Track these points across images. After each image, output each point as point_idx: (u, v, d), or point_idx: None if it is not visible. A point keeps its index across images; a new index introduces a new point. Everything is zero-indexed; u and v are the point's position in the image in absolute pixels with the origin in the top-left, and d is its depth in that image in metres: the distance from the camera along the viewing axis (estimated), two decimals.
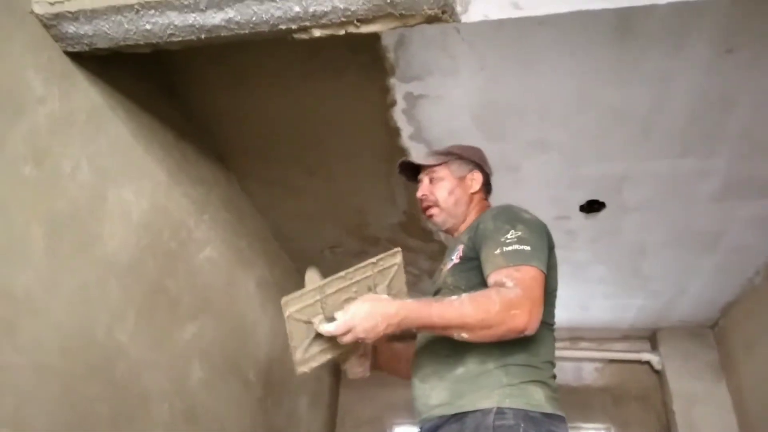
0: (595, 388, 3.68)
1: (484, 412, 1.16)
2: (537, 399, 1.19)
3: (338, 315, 1.20)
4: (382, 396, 3.70)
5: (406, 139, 2.14)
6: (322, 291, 1.25)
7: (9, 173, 1.23)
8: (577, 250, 2.80)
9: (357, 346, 1.34)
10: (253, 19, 1.23)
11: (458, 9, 1.20)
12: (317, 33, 1.25)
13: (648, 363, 3.63)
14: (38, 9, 1.29)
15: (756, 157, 2.09)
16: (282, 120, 2.07)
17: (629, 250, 2.77)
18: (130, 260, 1.63)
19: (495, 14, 1.21)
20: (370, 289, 1.33)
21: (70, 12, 1.28)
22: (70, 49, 1.37)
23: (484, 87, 1.89)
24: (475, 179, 1.56)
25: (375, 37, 1.71)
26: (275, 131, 2.13)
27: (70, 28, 1.32)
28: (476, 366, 1.23)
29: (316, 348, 1.27)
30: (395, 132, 2.11)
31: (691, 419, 3.33)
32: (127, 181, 1.64)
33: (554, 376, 1.29)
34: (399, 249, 1.39)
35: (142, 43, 1.33)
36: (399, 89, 1.92)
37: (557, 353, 1.35)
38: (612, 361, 3.74)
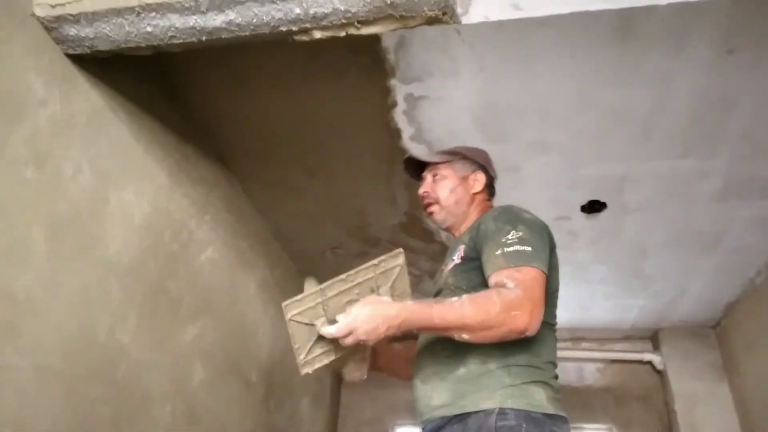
0: (597, 388, 3.68)
1: (486, 413, 1.16)
2: (539, 400, 1.19)
3: (340, 317, 1.21)
4: (384, 397, 3.70)
5: (406, 141, 2.14)
6: (323, 294, 1.25)
7: (10, 176, 1.23)
8: (578, 250, 2.80)
9: (358, 347, 1.34)
10: (254, 21, 1.23)
11: (459, 10, 1.20)
12: (318, 35, 1.25)
13: (650, 363, 3.63)
14: (39, 11, 1.29)
15: (757, 157, 2.09)
16: (283, 121, 2.07)
17: (630, 250, 2.77)
18: (131, 262, 1.63)
19: (495, 15, 1.21)
20: (372, 291, 1.33)
21: (71, 14, 1.28)
22: (71, 51, 1.37)
23: (485, 88, 1.89)
24: (478, 180, 1.57)
25: (375, 38, 1.72)
26: (276, 132, 2.13)
27: (71, 31, 1.32)
28: (478, 366, 1.23)
29: (319, 349, 1.27)
30: (396, 133, 2.11)
31: (692, 419, 3.32)
32: (128, 183, 1.64)
33: (556, 377, 1.29)
34: (401, 250, 1.39)
35: (143, 45, 1.33)
36: (399, 91, 1.92)
37: (559, 353, 1.35)
38: (613, 361, 3.74)
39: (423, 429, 1.31)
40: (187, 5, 1.23)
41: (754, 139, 2.01)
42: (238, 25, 1.25)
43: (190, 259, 1.99)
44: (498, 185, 1.66)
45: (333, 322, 1.22)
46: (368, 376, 1.49)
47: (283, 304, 1.22)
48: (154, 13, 1.26)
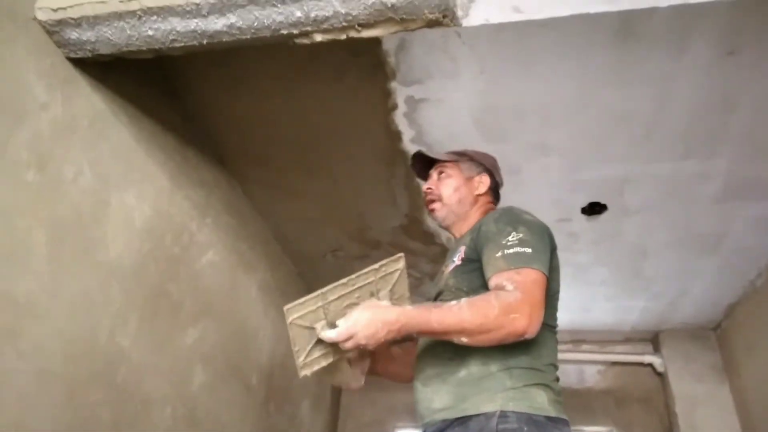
0: (598, 390, 3.67)
1: (488, 416, 1.16)
2: (540, 402, 1.18)
3: (340, 322, 1.21)
4: (384, 399, 3.69)
5: (407, 143, 2.14)
6: (324, 298, 1.25)
7: (12, 179, 1.23)
8: (579, 252, 2.80)
9: (357, 352, 1.34)
10: (255, 24, 1.24)
11: (459, 13, 1.20)
12: (319, 38, 1.26)
13: (650, 365, 3.63)
14: (41, 15, 1.30)
15: (757, 158, 2.10)
16: (283, 124, 2.07)
17: (631, 252, 2.77)
18: (132, 265, 1.63)
19: (496, 18, 1.21)
20: (372, 295, 1.33)
21: (72, 18, 1.28)
22: (72, 55, 1.38)
23: (485, 90, 1.89)
24: (483, 182, 1.57)
25: (376, 41, 1.72)
26: (276, 135, 2.13)
27: (73, 35, 1.32)
28: (479, 369, 1.23)
29: (318, 352, 1.28)
30: (396, 135, 2.11)
31: (693, 421, 3.32)
32: (129, 186, 1.64)
33: (557, 379, 1.29)
34: (402, 254, 1.40)
35: (144, 48, 1.34)
36: (400, 93, 1.93)
37: (559, 356, 1.35)
38: (614, 363, 3.73)
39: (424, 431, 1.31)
40: (188, 9, 1.23)
41: (754, 141, 2.01)
42: (239, 28, 1.25)
43: (191, 262, 1.99)
44: None
45: (333, 325, 1.22)
46: (367, 380, 1.50)
47: (285, 307, 1.22)
48: (155, 17, 1.26)
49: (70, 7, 1.28)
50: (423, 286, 3.08)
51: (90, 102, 1.48)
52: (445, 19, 1.20)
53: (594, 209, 2.47)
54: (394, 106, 1.98)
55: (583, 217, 2.52)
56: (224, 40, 1.29)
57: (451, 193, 1.55)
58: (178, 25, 1.26)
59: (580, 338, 3.77)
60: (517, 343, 1.18)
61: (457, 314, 1.15)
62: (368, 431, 3.76)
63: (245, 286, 2.46)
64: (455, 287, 1.34)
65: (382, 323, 1.17)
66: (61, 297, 1.35)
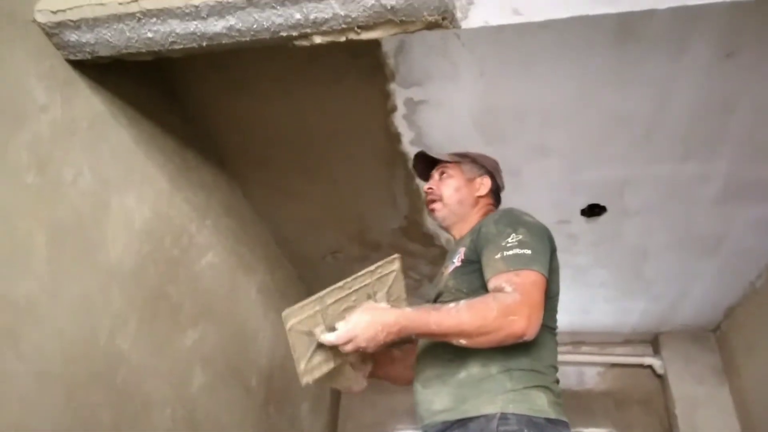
0: (598, 392, 3.67)
1: (488, 418, 1.16)
2: (540, 404, 1.18)
3: (339, 325, 1.21)
4: (384, 401, 3.69)
5: (406, 145, 2.14)
6: (321, 302, 1.25)
7: (11, 181, 1.23)
8: (579, 254, 2.80)
9: (357, 355, 1.34)
10: (254, 26, 1.24)
11: (458, 15, 1.20)
12: (318, 40, 1.26)
13: (650, 367, 3.63)
14: (40, 18, 1.30)
15: (757, 160, 2.10)
16: (282, 125, 2.07)
17: (631, 253, 2.77)
18: (132, 267, 1.63)
19: (495, 20, 1.21)
20: (369, 297, 1.33)
21: (72, 21, 1.29)
22: (72, 57, 1.38)
23: (485, 92, 1.89)
24: (484, 184, 1.58)
25: (375, 43, 1.72)
26: (276, 137, 2.13)
27: (72, 37, 1.32)
28: (479, 370, 1.23)
29: (318, 358, 1.27)
30: (396, 137, 2.11)
31: (693, 423, 3.32)
32: (129, 188, 1.64)
33: (557, 381, 1.29)
34: (397, 255, 1.40)
35: (143, 50, 1.34)
36: (399, 95, 1.93)
37: (559, 357, 1.35)
38: (614, 365, 3.73)
39: None
40: (187, 11, 1.23)
41: (754, 142, 2.01)
42: (238, 30, 1.25)
43: (191, 264, 1.99)
44: None
45: (332, 329, 1.22)
46: (368, 382, 1.50)
47: (283, 313, 1.22)
48: (154, 19, 1.26)
49: (70, 9, 1.28)
50: (422, 288, 3.08)
51: (89, 104, 1.49)
52: (444, 21, 1.20)
53: (593, 211, 2.47)
54: (394, 108, 1.98)
55: (583, 218, 2.52)
56: (223, 42, 1.29)
57: (451, 194, 1.55)
58: (178, 27, 1.26)
59: (579, 340, 3.77)
60: (518, 344, 1.18)
61: (455, 316, 1.15)
62: None
63: (245, 288, 2.46)
64: (455, 288, 1.34)
65: (382, 325, 1.17)
66: (61, 299, 1.35)
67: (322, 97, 1.94)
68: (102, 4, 1.26)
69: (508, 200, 1.71)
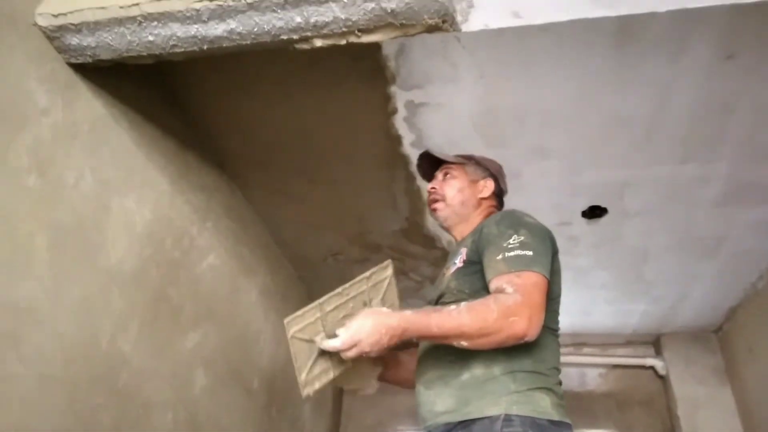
0: (599, 393, 3.67)
1: (492, 420, 1.16)
2: (543, 406, 1.18)
3: (340, 331, 1.21)
4: (385, 403, 3.69)
5: (407, 147, 2.15)
6: (321, 309, 1.25)
7: (13, 184, 1.23)
8: (579, 255, 2.80)
9: (359, 363, 1.34)
10: (255, 30, 1.24)
11: (458, 18, 1.21)
12: (319, 43, 1.26)
13: (652, 368, 3.62)
14: (41, 21, 1.30)
15: (757, 162, 2.10)
16: (283, 127, 2.08)
17: (631, 255, 2.77)
18: (133, 270, 1.64)
19: (495, 23, 1.22)
20: (365, 304, 1.35)
21: (73, 24, 1.29)
22: (73, 60, 1.38)
23: (485, 94, 1.89)
24: (487, 186, 1.59)
25: (376, 46, 1.72)
26: (276, 139, 2.14)
27: (74, 40, 1.33)
28: (482, 372, 1.23)
29: (319, 368, 1.27)
30: (396, 140, 2.11)
31: (695, 424, 3.31)
32: (130, 191, 1.64)
33: (560, 383, 1.29)
34: (390, 261, 1.41)
35: (144, 54, 1.34)
36: (400, 97, 1.93)
37: (561, 359, 1.35)
38: (616, 366, 3.73)
39: None
40: (188, 14, 1.23)
41: (754, 144, 2.01)
42: (239, 33, 1.25)
43: (192, 266, 1.99)
44: None
45: (332, 337, 1.22)
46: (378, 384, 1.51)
47: (285, 321, 1.22)
48: (155, 23, 1.26)
49: (71, 12, 1.28)
50: (423, 290, 3.08)
51: (91, 107, 1.49)
52: (444, 24, 1.20)
53: (594, 213, 2.47)
54: (394, 111, 1.99)
55: (584, 220, 2.52)
56: (224, 45, 1.29)
57: (454, 194, 1.56)
58: (179, 30, 1.27)
59: (581, 341, 3.77)
60: (520, 346, 1.18)
61: (456, 318, 1.16)
62: None
63: (246, 290, 2.46)
64: (457, 289, 1.35)
65: (386, 328, 1.17)
66: (62, 301, 1.35)
67: (323, 99, 1.94)
68: (103, 8, 1.27)
69: (508, 202, 1.71)
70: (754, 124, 1.93)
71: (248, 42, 1.28)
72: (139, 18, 1.26)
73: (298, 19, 1.21)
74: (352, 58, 1.77)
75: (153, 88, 1.82)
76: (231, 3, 1.20)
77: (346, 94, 1.91)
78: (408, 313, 1.21)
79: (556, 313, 1.36)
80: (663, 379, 3.59)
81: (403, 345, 1.26)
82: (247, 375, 2.40)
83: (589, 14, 1.19)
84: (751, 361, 3.15)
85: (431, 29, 1.21)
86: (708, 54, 1.68)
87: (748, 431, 3.19)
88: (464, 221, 1.55)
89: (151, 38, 1.29)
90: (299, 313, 1.23)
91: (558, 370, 1.30)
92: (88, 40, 1.32)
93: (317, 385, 1.27)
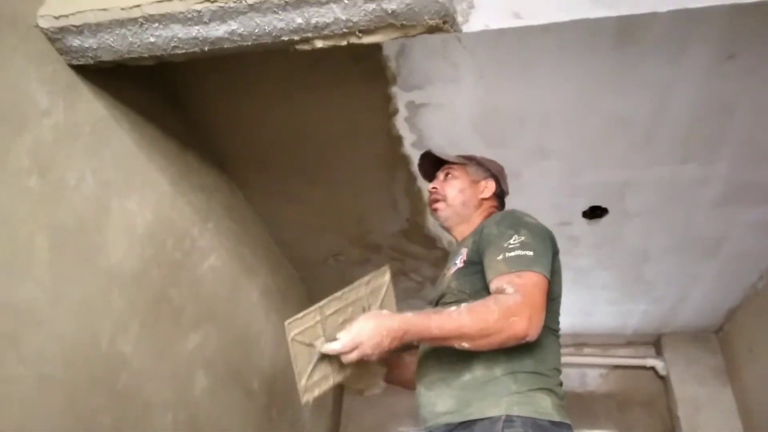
0: (600, 394, 3.67)
1: (493, 420, 1.16)
2: (544, 407, 1.18)
3: (341, 334, 1.20)
4: (385, 403, 3.68)
5: (408, 147, 2.15)
6: (321, 312, 1.25)
7: (13, 185, 1.23)
8: (580, 256, 2.80)
9: (359, 368, 1.34)
10: (256, 31, 1.24)
11: (459, 19, 1.21)
12: (319, 44, 1.26)
13: (652, 369, 3.62)
14: (43, 23, 1.30)
15: (757, 162, 2.10)
16: (284, 128, 2.08)
17: (632, 256, 2.77)
18: (133, 271, 1.64)
19: (496, 24, 1.22)
20: (364, 310, 1.35)
21: (74, 26, 1.29)
22: (74, 62, 1.38)
23: (486, 95, 1.90)
24: (488, 187, 1.59)
25: (376, 46, 1.73)
26: (277, 140, 2.14)
27: (75, 42, 1.33)
28: (483, 373, 1.23)
29: (319, 374, 1.27)
30: (397, 140, 2.12)
31: (696, 424, 3.31)
32: (131, 192, 1.65)
33: (561, 384, 1.29)
34: (387, 266, 1.42)
35: (146, 55, 1.34)
36: (401, 98, 1.93)
37: (561, 359, 1.35)
38: (616, 366, 3.73)
39: None
40: (189, 16, 1.23)
41: (754, 145, 2.01)
42: (240, 35, 1.25)
43: (193, 267, 1.99)
44: None
45: (333, 341, 1.22)
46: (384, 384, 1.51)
47: (286, 323, 1.22)
48: (157, 24, 1.26)
49: (72, 14, 1.29)
50: (424, 290, 3.08)
51: (92, 108, 1.49)
52: (445, 25, 1.20)
53: (595, 213, 2.47)
54: (395, 111, 1.99)
55: (584, 220, 2.52)
56: (225, 46, 1.29)
57: (455, 194, 1.56)
58: (180, 31, 1.27)
59: (581, 342, 3.77)
60: (521, 347, 1.18)
61: (456, 320, 1.15)
62: None
63: (247, 291, 2.46)
64: (457, 290, 1.35)
65: (387, 330, 1.17)
66: (62, 303, 1.35)
67: (324, 100, 1.94)
68: (104, 10, 1.27)
69: (509, 202, 1.71)
70: (754, 125, 1.93)
71: (249, 43, 1.28)
72: (140, 19, 1.26)
73: (299, 20, 1.21)
74: (353, 58, 1.77)
75: (154, 89, 1.82)
76: (232, 4, 1.20)
77: (347, 94, 1.91)
78: (408, 315, 1.21)
79: (557, 313, 1.36)
80: (663, 379, 3.59)
81: (405, 349, 1.26)
82: (247, 376, 2.40)
83: (589, 14, 1.19)
84: (752, 361, 3.15)
85: (432, 30, 1.22)
86: (708, 54, 1.68)
87: (748, 431, 3.19)
88: (465, 221, 1.55)
89: (152, 39, 1.30)
90: (299, 315, 1.23)
91: (559, 371, 1.30)
92: (90, 42, 1.32)
93: (317, 392, 1.27)
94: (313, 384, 1.26)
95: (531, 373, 1.22)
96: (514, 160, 2.16)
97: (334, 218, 2.62)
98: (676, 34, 1.62)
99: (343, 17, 1.20)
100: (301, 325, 1.23)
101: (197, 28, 1.25)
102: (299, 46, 1.28)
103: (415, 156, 2.16)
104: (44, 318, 1.29)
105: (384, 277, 1.40)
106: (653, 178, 2.23)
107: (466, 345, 1.16)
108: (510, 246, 1.26)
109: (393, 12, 1.18)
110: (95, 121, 1.50)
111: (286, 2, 1.19)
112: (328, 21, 1.21)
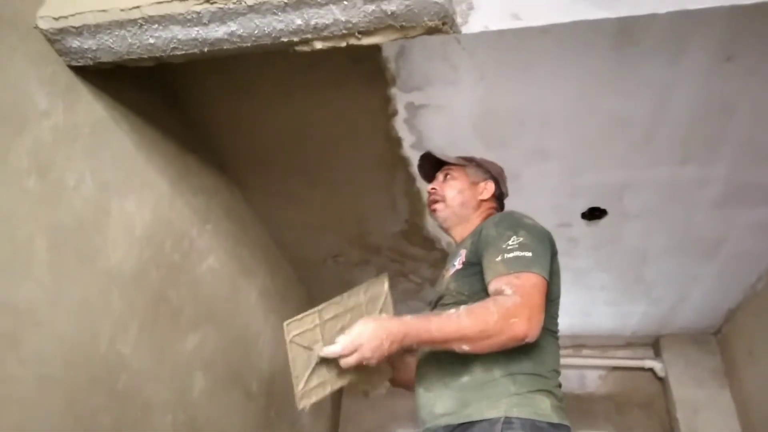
0: (598, 395, 3.67)
1: (491, 422, 1.16)
2: (543, 408, 1.18)
3: (340, 338, 1.20)
4: (385, 405, 3.68)
5: (407, 149, 2.15)
6: (320, 316, 1.25)
7: (13, 186, 1.23)
8: (579, 257, 2.80)
9: (357, 373, 1.33)
10: (256, 32, 1.24)
11: (458, 20, 1.21)
12: (319, 45, 1.26)
13: (651, 370, 3.62)
14: (42, 24, 1.30)
15: (757, 163, 2.10)
16: (283, 130, 2.08)
17: (631, 257, 2.77)
18: (132, 272, 1.63)
19: (495, 25, 1.22)
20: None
21: (74, 27, 1.29)
22: (74, 63, 1.38)
23: (485, 96, 1.90)
24: (488, 188, 1.59)
25: (376, 48, 1.73)
26: (276, 141, 2.14)
27: (74, 43, 1.33)
28: (482, 374, 1.23)
29: (316, 380, 1.27)
30: (396, 141, 2.12)
31: (694, 426, 3.31)
32: (130, 193, 1.65)
33: (560, 385, 1.29)
34: (386, 275, 1.41)
35: (145, 56, 1.34)
36: (400, 99, 1.93)
37: (560, 361, 1.35)
38: (615, 368, 3.72)
39: None
40: (189, 17, 1.24)
41: (754, 145, 2.02)
42: (239, 36, 1.25)
43: (192, 269, 1.99)
44: None
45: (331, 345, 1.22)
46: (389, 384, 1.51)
47: (285, 323, 1.22)
48: (156, 25, 1.26)
49: (72, 15, 1.29)
50: (423, 291, 3.08)
51: (91, 109, 1.49)
52: (444, 26, 1.20)
53: (594, 214, 2.47)
54: (395, 112, 1.99)
55: (583, 222, 2.52)
56: (225, 47, 1.29)
57: (454, 195, 1.56)
58: (179, 33, 1.27)
59: (580, 343, 3.76)
60: (520, 348, 1.18)
61: (456, 322, 1.15)
62: None
63: (245, 292, 2.46)
64: (456, 291, 1.35)
65: (387, 333, 1.16)
66: (61, 303, 1.35)
67: (323, 101, 1.94)
68: (104, 11, 1.27)
69: (508, 203, 1.71)
70: (754, 125, 1.93)
71: (248, 44, 1.28)
72: (139, 21, 1.26)
73: (299, 22, 1.21)
74: (352, 60, 1.77)
75: (153, 90, 1.82)
76: (231, 5, 1.21)
77: (346, 95, 1.91)
78: (408, 318, 1.20)
79: (556, 315, 1.36)
80: (662, 381, 3.58)
81: (405, 352, 1.26)
82: (246, 377, 2.40)
83: (589, 16, 1.19)
84: (751, 363, 3.15)
85: (431, 31, 1.22)
86: (708, 55, 1.68)
87: None
88: (464, 222, 1.55)
89: (151, 41, 1.30)
90: (299, 316, 1.23)
91: (558, 372, 1.30)
92: (89, 43, 1.32)
93: (314, 399, 1.27)
94: (311, 390, 1.26)
95: (530, 375, 1.22)
96: (514, 161, 2.16)
97: (334, 219, 2.62)
98: (676, 35, 1.63)
99: (343, 18, 1.20)
100: (300, 326, 1.22)
101: (196, 29, 1.25)
102: (299, 48, 1.28)
103: (414, 157, 2.16)
104: (44, 318, 1.29)
105: (383, 287, 1.40)
106: (653, 179, 2.23)
107: (466, 347, 1.16)
108: (509, 247, 1.26)
109: (392, 13, 1.18)
110: (94, 122, 1.50)
111: (285, 3, 1.19)
112: (327, 22, 1.21)
